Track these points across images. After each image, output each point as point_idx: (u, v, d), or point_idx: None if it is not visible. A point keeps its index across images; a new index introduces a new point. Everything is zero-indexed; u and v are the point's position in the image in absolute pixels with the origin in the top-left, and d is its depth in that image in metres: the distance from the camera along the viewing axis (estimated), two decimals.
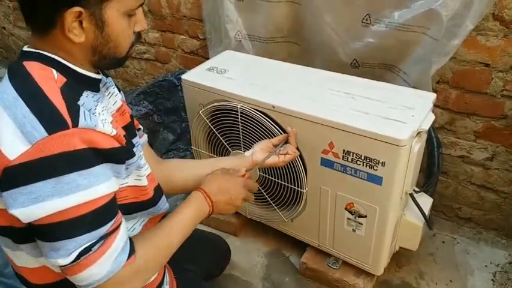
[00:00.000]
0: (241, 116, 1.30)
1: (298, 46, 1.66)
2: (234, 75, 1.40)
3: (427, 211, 1.31)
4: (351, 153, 1.16)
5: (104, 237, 0.69)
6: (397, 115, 1.13)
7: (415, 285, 1.49)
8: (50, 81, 0.69)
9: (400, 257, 1.54)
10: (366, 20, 1.39)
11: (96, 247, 0.67)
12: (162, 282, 0.98)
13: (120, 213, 0.74)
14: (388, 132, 1.08)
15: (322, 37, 1.52)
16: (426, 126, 1.14)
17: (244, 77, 1.39)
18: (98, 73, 0.81)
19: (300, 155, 1.26)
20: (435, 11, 1.24)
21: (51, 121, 0.64)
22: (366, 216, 1.24)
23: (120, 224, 0.73)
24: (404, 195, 1.24)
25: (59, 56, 0.72)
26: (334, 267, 1.45)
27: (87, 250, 0.67)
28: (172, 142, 2.11)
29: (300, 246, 1.55)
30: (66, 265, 0.67)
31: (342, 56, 1.51)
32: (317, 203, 1.33)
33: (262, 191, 1.43)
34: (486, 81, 1.36)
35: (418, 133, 1.13)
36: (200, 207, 0.90)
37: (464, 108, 1.45)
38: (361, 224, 1.27)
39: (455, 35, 1.24)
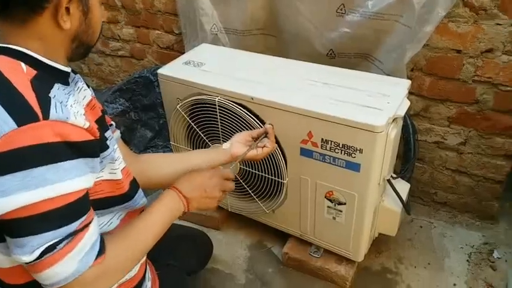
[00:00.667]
0: (219, 109, 1.30)
1: (275, 38, 1.66)
2: (211, 68, 1.40)
3: (404, 196, 1.34)
4: (329, 142, 1.17)
5: (72, 234, 0.66)
6: (373, 102, 1.15)
7: (395, 270, 1.53)
8: (18, 74, 0.66)
9: (379, 243, 1.57)
10: (341, 9, 1.40)
11: (62, 245, 0.65)
12: (143, 278, 0.97)
13: (92, 211, 0.72)
14: (365, 119, 1.09)
15: (298, 28, 1.52)
16: (402, 112, 1.16)
17: (222, 70, 1.38)
18: (67, 66, 0.79)
19: (280, 146, 1.27)
20: None
21: (21, 113, 0.62)
22: (345, 204, 1.26)
23: (90, 221, 0.71)
24: (382, 181, 1.26)
25: (28, 49, 0.70)
26: (316, 255, 1.47)
27: (51, 248, 0.64)
28: (150, 139, 2.09)
29: (282, 237, 1.56)
30: (30, 262, 0.65)
31: (318, 47, 1.53)
32: (297, 193, 1.34)
33: (243, 183, 1.43)
34: (458, 68, 1.39)
35: (394, 119, 1.15)
36: (174, 206, 0.88)
37: (438, 95, 1.48)
38: (341, 212, 1.29)
39: (427, 22, 1.27)
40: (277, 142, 1.26)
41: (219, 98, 1.28)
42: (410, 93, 1.48)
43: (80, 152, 0.67)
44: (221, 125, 1.33)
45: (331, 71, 1.35)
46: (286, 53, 1.59)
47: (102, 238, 0.74)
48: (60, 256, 0.65)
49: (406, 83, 1.25)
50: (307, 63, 1.40)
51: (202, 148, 1.46)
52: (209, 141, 1.41)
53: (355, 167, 1.17)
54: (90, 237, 0.69)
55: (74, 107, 0.71)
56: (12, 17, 0.69)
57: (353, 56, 1.50)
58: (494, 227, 1.68)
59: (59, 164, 0.63)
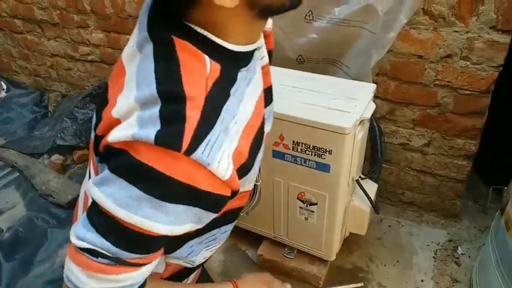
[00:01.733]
0: None
1: None
2: None
3: (373, 196, 1.39)
4: (300, 144, 1.21)
5: (119, 261, 0.58)
6: (341, 105, 1.20)
7: (366, 269, 1.57)
8: (198, 80, 0.55)
9: (350, 243, 1.61)
10: (309, 16, 1.44)
11: (103, 261, 0.58)
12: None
13: (155, 257, 0.63)
14: (334, 122, 1.13)
15: None
16: (368, 114, 1.21)
17: None
18: (255, 41, 0.63)
19: None
20: (372, 6, 1.32)
21: (167, 134, 0.52)
22: (316, 204, 1.30)
23: (145, 264, 0.62)
24: (351, 181, 1.30)
25: (213, 35, 0.57)
26: (290, 256, 1.49)
27: (95, 253, 0.57)
28: None
29: (256, 239, 1.58)
30: (71, 244, 0.59)
31: (288, 52, 1.56)
32: (271, 195, 1.37)
33: None
34: (420, 72, 1.46)
35: (361, 121, 1.20)
36: None
37: (402, 98, 1.55)
38: (313, 212, 1.32)
39: (391, 29, 1.33)
40: None
41: None
42: (376, 97, 1.54)
43: (197, 201, 0.57)
44: None
45: (300, 75, 1.39)
46: None
47: (144, 284, 0.65)
48: (93, 268, 0.58)
49: (371, 87, 1.30)
50: (277, 68, 1.44)
51: None
52: None
53: (325, 167, 1.21)
54: (130, 278, 0.61)
55: (235, 135, 0.58)
56: (172, 7, 0.58)
57: (321, 61, 1.54)
58: (457, 225, 1.76)
59: (167, 204, 0.55)
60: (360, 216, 1.41)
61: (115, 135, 0.55)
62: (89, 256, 0.57)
